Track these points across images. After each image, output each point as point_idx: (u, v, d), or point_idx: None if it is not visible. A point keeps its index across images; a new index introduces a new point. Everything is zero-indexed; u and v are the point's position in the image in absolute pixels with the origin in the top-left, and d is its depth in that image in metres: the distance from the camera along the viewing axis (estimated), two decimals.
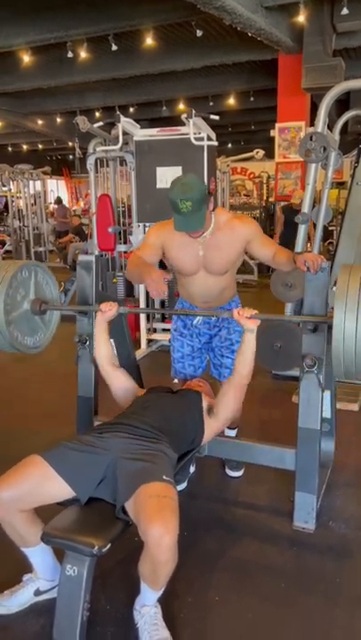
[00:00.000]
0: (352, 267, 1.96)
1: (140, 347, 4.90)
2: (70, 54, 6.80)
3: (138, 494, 1.65)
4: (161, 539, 1.52)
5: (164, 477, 1.71)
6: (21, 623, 1.82)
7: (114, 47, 6.56)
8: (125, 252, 5.01)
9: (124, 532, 1.72)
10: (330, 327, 1.91)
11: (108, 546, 1.62)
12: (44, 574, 1.89)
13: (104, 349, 2.31)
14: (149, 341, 5.08)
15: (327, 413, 2.57)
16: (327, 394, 2.48)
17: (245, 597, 1.94)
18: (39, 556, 1.87)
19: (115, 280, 5.11)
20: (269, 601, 1.92)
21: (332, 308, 1.89)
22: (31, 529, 1.78)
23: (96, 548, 1.60)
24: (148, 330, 5.13)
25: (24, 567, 1.91)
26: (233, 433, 2.82)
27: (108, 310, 2.27)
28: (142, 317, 4.95)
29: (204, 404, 2.21)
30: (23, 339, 2.35)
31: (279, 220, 7.91)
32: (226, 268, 2.41)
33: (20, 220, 11.60)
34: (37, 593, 1.89)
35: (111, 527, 1.69)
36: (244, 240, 2.35)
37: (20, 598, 1.88)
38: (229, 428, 2.77)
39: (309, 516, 2.30)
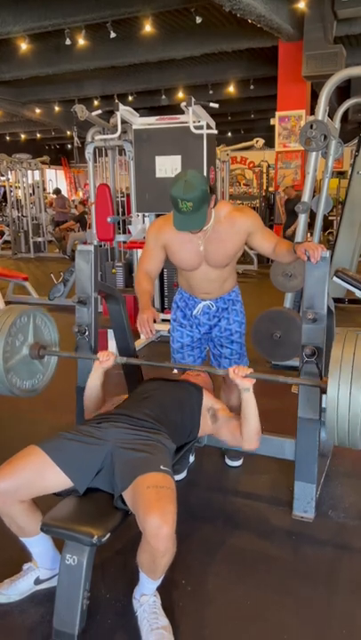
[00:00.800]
0: (346, 332, 1.93)
1: (139, 337, 4.89)
2: (68, 42, 6.74)
3: (136, 484, 1.65)
4: (159, 529, 1.52)
5: (162, 467, 1.71)
6: (21, 612, 1.83)
7: (112, 34, 6.50)
8: (124, 242, 4.98)
9: (124, 521, 1.73)
10: (324, 391, 1.88)
11: (108, 535, 1.63)
12: (43, 563, 1.90)
13: (95, 397, 2.26)
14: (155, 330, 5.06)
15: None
16: None
17: (244, 586, 1.94)
18: (39, 545, 1.87)
19: (114, 270, 5.09)
20: (268, 589, 1.93)
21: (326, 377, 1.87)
22: (30, 519, 1.78)
23: (95, 537, 1.60)
24: None
25: (24, 557, 1.92)
26: (237, 463, 2.82)
27: (106, 361, 2.24)
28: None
29: (206, 401, 2.20)
30: (22, 383, 2.35)
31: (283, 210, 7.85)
32: (227, 260, 2.40)
33: (18, 210, 11.56)
34: (37, 582, 1.90)
35: (110, 517, 1.70)
36: (245, 233, 2.33)
37: (20, 587, 1.88)
38: (230, 458, 2.80)
39: (309, 505, 2.30)
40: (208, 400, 2.21)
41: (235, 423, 2.13)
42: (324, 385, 1.88)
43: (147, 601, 1.73)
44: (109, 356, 2.24)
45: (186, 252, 2.34)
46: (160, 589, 1.77)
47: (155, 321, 2.25)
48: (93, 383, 2.26)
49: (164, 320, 5.05)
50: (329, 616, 1.81)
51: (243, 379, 2.06)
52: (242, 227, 2.31)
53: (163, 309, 5.17)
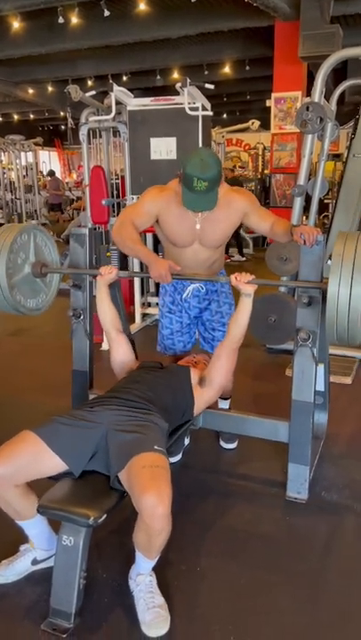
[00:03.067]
0: (348, 234, 1.96)
1: (134, 321, 4.89)
2: (61, 20, 6.60)
3: (130, 465, 1.67)
4: (155, 508, 1.54)
5: (156, 447, 1.72)
6: (19, 592, 1.86)
7: (106, 13, 6.37)
8: None
9: (120, 502, 1.75)
10: (324, 294, 1.92)
11: (104, 516, 1.65)
12: (40, 544, 1.92)
13: (109, 314, 2.33)
14: (144, 315, 5.07)
15: (321, 386, 2.59)
16: (321, 367, 2.50)
17: (238, 565, 1.98)
18: (35, 527, 1.89)
19: (108, 254, 5.06)
20: (262, 568, 1.96)
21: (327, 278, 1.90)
22: (26, 502, 1.80)
23: (92, 518, 1.62)
24: (143, 304, 5.12)
25: (20, 538, 1.94)
26: (226, 404, 2.84)
27: (108, 273, 2.28)
28: (136, 291, 4.93)
29: (194, 377, 2.22)
30: (26, 301, 2.39)
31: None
32: (221, 241, 2.39)
33: (11, 192, 11.44)
34: (35, 562, 1.93)
35: (106, 498, 1.72)
36: (241, 212, 2.32)
37: (18, 568, 1.91)
38: (222, 398, 2.79)
39: (302, 486, 2.33)
40: (195, 375, 2.24)
41: (213, 358, 2.24)
42: (325, 286, 1.92)
43: (143, 580, 1.76)
44: (112, 270, 2.29)
45: (180, 226, 2.30)
46: (155, 569, 1.80)
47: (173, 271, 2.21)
48: (102, 302, 2.32)
49: (158, 304, 5.05)
50: (321, 594, 1.85)
51: (245, 284, 2.13)
52: (238, 207, 2.30)
53: (157, 293, 5.16)
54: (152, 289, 5.31)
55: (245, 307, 2.18)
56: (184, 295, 2.53)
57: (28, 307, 2.39)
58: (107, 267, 2.31)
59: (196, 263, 2.41)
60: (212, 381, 2.22)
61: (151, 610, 1.70)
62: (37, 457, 1.76)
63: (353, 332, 1.89)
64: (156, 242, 4.87)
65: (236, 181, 8.66)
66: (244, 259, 8.51)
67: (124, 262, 5.21)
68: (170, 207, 2.26)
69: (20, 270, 2.33)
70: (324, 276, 2.22)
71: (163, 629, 1.67)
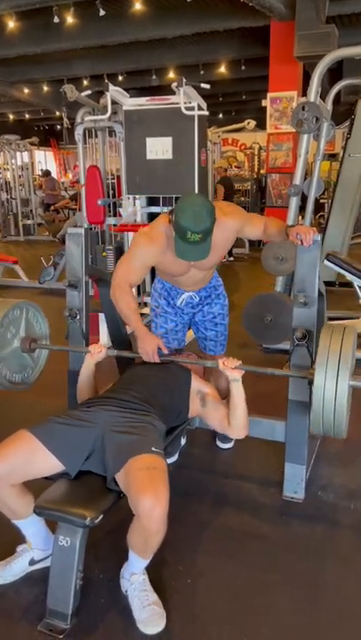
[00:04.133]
0: (333, 328, 1.95)
1: None
2: (56, 19, 6.60)
3: (128, 466, 1.67)
4: (152, 510, 1.54)
5: (154, 449, 1.73)
6: (16, 592, 1.85)
7: (102, 12, 6.38)
8: (115, 225, 4.95)
9: (116, 503, 1.74)
10: (311, 383, 1.91)
11: (100, 517, 1.65)
12: (37, 544, 1.92)
13: (85, 390, 2.26)
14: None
15: None
16: None
17: (235, 565, 1.98)
18: (31, 526, 1.89)
19: (104, 253, 5.06)
20: (259, 568, 1.96)
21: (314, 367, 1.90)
22: (22, 502, 1.80)
23: (88, 519, 1.62)
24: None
25: (17, 539, 1.94)
26: (228, 445, 2.84)
27: (98, 352, 2.24)
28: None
29: (194, 385, 2.21)
30: (12, 376, 2.35)
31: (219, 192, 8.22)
32: (216, 261, 2.38)
33: (7, 192, 11.42)
34: (32, 562, 1.92)
35: (102, 499, 1.72)
36: (234, 233, 2.29)
37: (15, 568, 1.91)
38: (222, 441, 2.82)
39: (299, 486, 2.34)
40: (197, 383, 2.22)
41: (223, 411, 2.14)
42: (311, 377, 1.90)
43: (137, 579, 1.76)
44: (101, 349, 2.24)
45: (177, 265, 2.26)
46: (151, 569, 1.80)
47: (159, 349, 2.22)
48: (85, 374, 2.28)
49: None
50: (319, 593, 1.85)
51: (232, 370, 2.06)
52: (231, 229, 2.25)
53: None
54: (148, 289, 5.31)
55: (237, 393, 2.08)
56: (178, 302, 2.53)
57: (14, 381, 2.36)
58: (96, 345, 2.28)
59: (192, 282, 2.42)
60: (207, 416, 2.20)
61: (147, 608, 1.70)
62: (33, 456, 1.75)
63: (339, 425, 1.87)
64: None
65: (227, 180, 8.74)
66: (232, 259, 8.51)
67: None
68: (164, 254, 2.20)
69: (8, 344, 2.30)
70: (320, 277, 2.23)
71: (159, 626, 1.68)
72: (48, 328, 2.50)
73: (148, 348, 2.20)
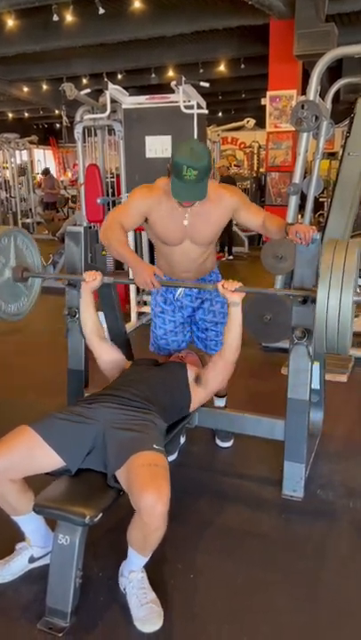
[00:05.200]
0: (337, 242, 1.95)
1: (130, 320, 4.89)
2: (56, 18, 6.58)
3: (129, 463, 1.67)
4: (154, 507, 1.54)
5: (155, 446, 1.73)
6: (15, 590, 1.85)
7: (101, 11, 6.36)
8: None
9: (116, 501, 1.75)
10: (314, 300, 1.91)
11: (100, 515, 1.65)
12: (36, 541, 1.92)
13: (90, 322, 2.30)
14: (140, 314, 5.07)
15: (316, 385, 2.60)
16: (316, 365, 2.50)
17: (235, 563, 1.98)
18: (31, 523, 1.89)
19: (104, 252, 5.06)
20: (258, 566, 1.97)
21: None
22: (22, 498, 1.80)
23: (88, 517, 1.62)
24: (139, 302, 5.12)
25: (17, 537, 1.94)
26: (222, 402, 2.85)
27: (93, 280, 2.25)
28: (132, 290, 4.92)
29: (190, 374, 2.22)
30: (7, 307, 2.34)
31: None
32: (211, 238, 2.38)
33: (6, 191, 11.41)
34: (32, 560, 1.92)
35: (102, 497, 1.72)
36: (231, 209, 2.31)
37: (15, 566, 1.91)
38: (218, 396, 2.79)
39: (298, 484, 2.34)
40: (192, 372, 2.24)
41: (214, 364, 2.20)
42: (314, 295, 1.90)
43: (135, 577, 1.77)
44: (96, 276, 2.25)
45: (169, 224, 2.28)
46: (151, 567, 1.80)
47: (155, 274, 2.20)
48: (85, 308, 2.30)
49: None
50: (318, 592, 1.85)
51: (232, 293, 2.09)
52: (228, 203, 2.29)
53: None
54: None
55: (235, 316, 2.14)
56: (176, 294, 2.52)
57: (9, 312, 2.35)
58: (91, 272, 2.28)
59: (188, 261, 2.40)
60: (207, 384, 2.22)
61: (145, 606, 1.71)
62: (33, 451, 1.75)
63: (342, 341, 1.86)
64: (153, 248, 4.87)
65: (230, 180, 8.72)
66: (231, 257, 8.50)
67: (119, 262, 5.21)
68: (159, 205, 2.24)
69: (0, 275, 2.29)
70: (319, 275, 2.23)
71: (157, 624, 1.68)
72: (40, 256, 2.48)
73: (146, 275, 2.18)
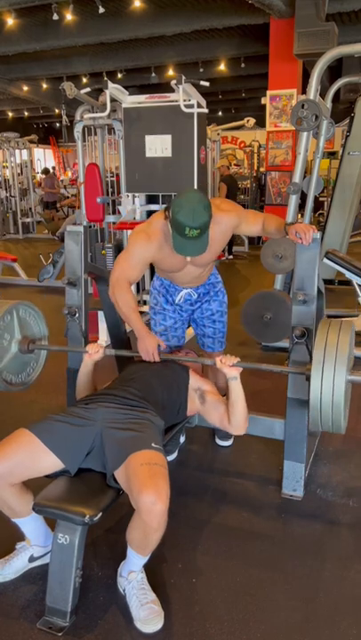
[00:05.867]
0: (330, 323, 1.95)
1: None
2: (56, 17, 6.58)
3: (128, 462, 1.67)
4: (153, 505, 1.54)
5: (153, 445, 1.73)
6: (15, 590, 1.85)
7: (101, 10, 6.36)
8: (114, 223, 4.94)
9: (115, 501, 1.74)
10: (308, 378, 1.90)
11: (100, 515, 1.65)
12: (36, 541, 1.92)
13: (86, 390, 2.27)
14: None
15: None
16: None
17: (234, 563, 1.98)
18: (31, 524, 1.89)
19: (103, 252, 5.05)
20: (258, 566, 1.97)
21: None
22: (21, 500, 1.80)
23: (87, 517, 1.62)
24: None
25: (16, 536, 1.94)
26: (227, 443, 2.84)
27: (95, 352, 2.24)
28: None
29: (193, 382, 2.20)
30: (17, 377, 2.33)
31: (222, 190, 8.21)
32: (213, 259, 2.38)
33: (6, 190, 11.40)
34: (32, 559, 1.93)
35: (102, 496, 1.72)
36: (231, 228, 2.29)
37: (15, 566, 1.91)
38: (221, 438, 2.82)
39: (298, 484, 2.34)
40: (195, 381, 2.21)
41: (222, 408, 2.13)
42: (308, 372, 1.90)
43: (135, 577, 1.76)
44: (98, 349, 2.24)
45: (173, 261, 2.26)
46: (150, 567, 1.80)
47: (159, 347, 2.22)
48: (84, 373, 2.28)
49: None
50: (317, 591, 1.85)
51: (230, 368, 2.05)
52: (228, 224, 2.26)
53: None
54: (147, 286, 5.31)
55: (235, 391, 2.05)
56: (176, 299, 2.53)
57: (18, 382, 2.35)
58: (93, 345, 2.27)
59: (190, 278, 2.42)
60: (207, 416, 2.19)
61: (145, 606, 1.71)
62: (33, 454, 1.75)
63: (337, 421, 1.87)
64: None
65: (230, 179, 8.73)
66: (231, 257, 8.50)
67: None
68: (161, 250, 2.21)
69: (6, 352, 2.26)
70: (319, 275, 2.23)
71: (157, 625, 1.68)
72: (45, 324, 2.46)
73: (149, 347, 2.20)
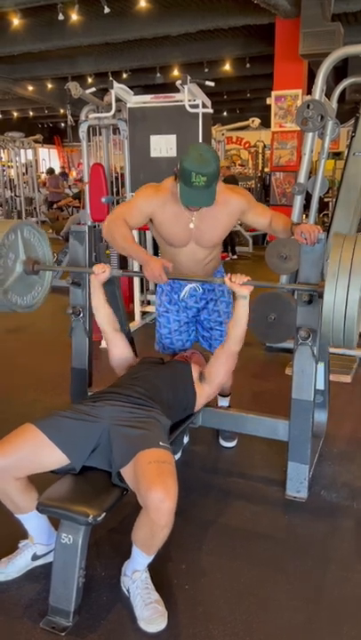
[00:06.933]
0: (345, 237, 1.95)
1: (134, 319, 4.89)
2: (61, 17, 6.58)
3: (136, 460, 1.67)
4: (162, 503, 1.54)
5: (161, 444, 1.73)
6: (18, 588, 1.85)
7: (106, 10, 6.36)
8: None
9: (120, 501, 1.74)
10: (321, 295, 1.90)
11: (103, 515, 1.64)
12: (39, 539, 1.92)
13: (103, 312, 2.31)
14: (143, 314, 5.07)
15: (320, 385, 2.59)
16: (321, 366, 2.49)
17: (238, 563, 1.97)
18: (34, 521, 1.89)
19: (108, 251, 5.06)
20: (261, 566, 1.96)
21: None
22: (25, 496, 1.80)
23: (91, 517, 1.62)
24: (142, 302, 5.12)
25: (19, 535, 1.94)
26: (226, 401, 2.84)
27: (102, 273, 2.25)
28: (136, 289, 4.92)
29: (195, 373, 2.23)
30: (22, 299, 2.34)
31: None
32: (217, 240, 2.37)
33: (11, 190, 11.43)
34: (35, 558, 1.93)
35: (106, 496, 1.72)
36: (238, 212, 2.30)
37: (18, 564, 1.91)
38: (222, 395, 2.79)
39: (302, 485, 2.33)
40: (196, 371, 2.25)
41: (216, 358, 2.22)
42: (321, 289, 1.90)
43: (139, 577, 1.76)
44: (105, 269, 2.25)
45: (175, 226, 2.26)
46: (154, 567, 1.80)
47: (165, 269, 2.18)
48: (97, 300, 2.30)
49: None
50: (321, 592, 1.85)
51: (240, 286, 2.10)
52: (236, 206, 2.28)
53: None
54: (152, 287, 5.30)
55: (242, 309, 2.15)
56: (181, 295, 2.52)
57: (24, 304, 2.35)
58: (100, 265, 2.28)
59: (193, 263, 2.39)
60: (211, 379, 2.23)
61: (149, 606, 1.70)
62: (38, 449, 1.75)
63: (349, 335, 1.87)
64: (157, 246, 4.88)
65: (232, 179, 8.73)
66: (235, 257, 8.49)
67: (123, 261, 5.22)
68: (165, 207, 2.21)
69: (11, 272, 2.27)
70: (324, 275, 2.22)
71: (161, 625, 1.68)
72: (49, 247, 2.45)
73: (155, 269, 2.14)
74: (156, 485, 1.56)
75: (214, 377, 2.22)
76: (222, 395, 2.79)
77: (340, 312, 1.83)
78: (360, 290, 1.81)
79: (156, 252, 4.71)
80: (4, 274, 2.22)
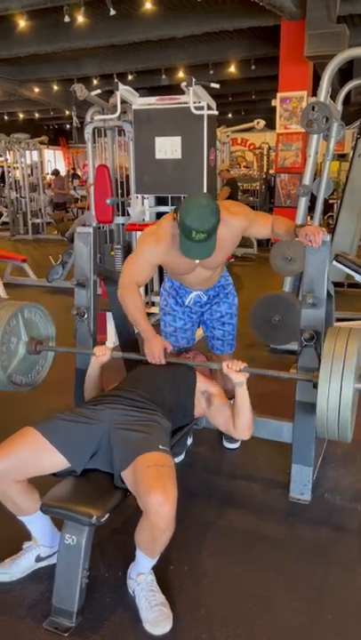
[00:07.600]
0: (339, 330, 1.94)
1: None
2: (67, 19, 6.61)
3: (136, 464, 1.67)
4: (161, 507, 1.55)
5: (161, 447, 1.73)
6: (22, 589, 1.86)
7: (112, 12, 6.38)
8: (123, 225, 4.95)
9: (123, 501, 1.75)
10: (316, 385, 1.89)
11: (107, 516, 1.65)
12: (43, 541, 1.93)
13: (92, 385, 2.29)
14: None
15: None
16: None
17: (241, 565, 1.97)
18: (37, 522, 1.90)
19: (112, 253, 5.06)
20: (264, 568, 1.96)
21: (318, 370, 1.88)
22: (27, 498, 1.81)
23: (94, 517, 1.63)
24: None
25: (23, 536, 1.94)
26: (235, 445, 2.83)
27: (102, 355, 2.25)
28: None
29: (200, 384, 2.20)
30: (25, 378, 2.35)
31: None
32: (222, 260, 2.38)
33: (16, 191, 11.47)
34: (38, 559, 1.93)
35: (109, 497, 1.72)
36: (240, 231, 2.28)
37: (22, 565, 1.91)
38: (229, 440, 2.80)
39: (305, 487, 2.33)
40: (202, 383, 2.21)
41: (228, 412, 2.13)
42: (316, 379, 1.89)
43: (144, 579, 1.76)
44: (105, 352, 2.25)
45: (182, 264, 2.26)
46: (157, 569, 1.80)
47: (165, 350, 2.23)
48: (92, 376, 2.29)
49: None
50: (324, 595, 1.84)
51: (236, 373, 2.05)
52: (237, 227, 2.25)
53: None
54: (156, 288, 5.31)
55: (241, 397, 2.05)
56: (186, 302, 2.53)
57: (28, 382, 2.37)
58: (101, 347, 2.28)
59: (200, 280, 2.42)
60: (213, 419, 2.19)
61: (154, 608, 1.71)
62: (37, 452, 1.76)
63: (343, 431, 1.86)
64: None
65: (233, 182, 8.73)
66: (232, 260, 8.47)
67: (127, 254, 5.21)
68: (169, 252, 2.20)
69: (14, 355, 2.27)
70: (328, 278, 2.22)
71: (166, 627, 1.68)
72: (53, 324, 2.46)
73: (155, 349, 2.21)
74: (155, 489, 1.56)
75: (213, 419, 2.19)
76: (230, 440, 2.79)
77: (333, 407, 1.81)
78: (353, 383, 1.80)
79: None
80: (7, 359, 2.22)
